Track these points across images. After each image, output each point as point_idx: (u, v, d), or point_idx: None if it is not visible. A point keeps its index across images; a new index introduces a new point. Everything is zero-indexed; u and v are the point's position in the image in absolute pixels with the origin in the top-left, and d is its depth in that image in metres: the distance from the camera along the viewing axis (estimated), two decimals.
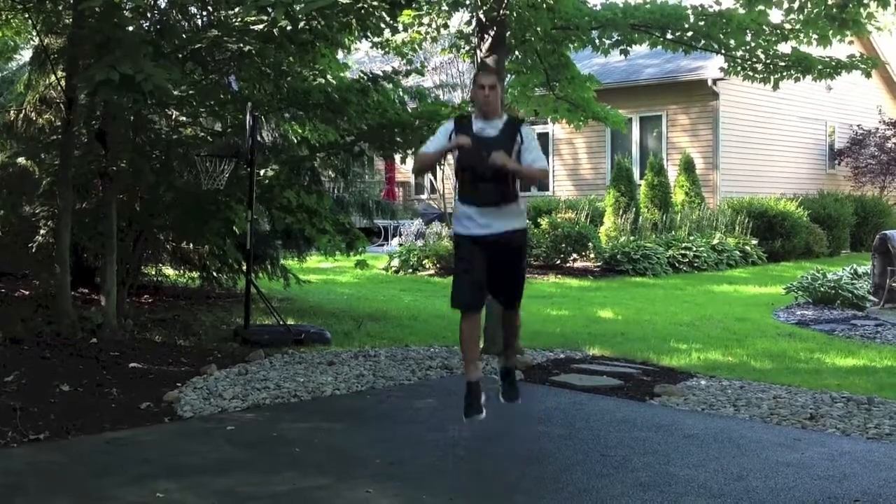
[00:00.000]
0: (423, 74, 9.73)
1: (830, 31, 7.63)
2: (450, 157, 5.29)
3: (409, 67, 9.40)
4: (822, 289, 11.09)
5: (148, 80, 6.05)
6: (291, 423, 5.63)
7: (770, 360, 7.64)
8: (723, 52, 8.54)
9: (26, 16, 8.55)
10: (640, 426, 5.46)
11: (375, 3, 6.60)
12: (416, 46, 9.78)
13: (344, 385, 6.63)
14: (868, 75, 8.66)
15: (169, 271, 11.49)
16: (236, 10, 7.00)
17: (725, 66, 8.90)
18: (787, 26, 8.04)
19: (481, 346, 7.88)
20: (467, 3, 8.18)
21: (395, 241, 19.19)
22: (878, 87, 22.85)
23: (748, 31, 8.08)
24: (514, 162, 5.02)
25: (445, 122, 5.46)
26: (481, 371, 5.27)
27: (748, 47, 8.36)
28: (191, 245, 10.39)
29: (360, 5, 6.54)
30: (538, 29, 8.19)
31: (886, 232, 11.23)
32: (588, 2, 8.62)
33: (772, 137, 20.25)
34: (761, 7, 7.87)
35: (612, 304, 11.31)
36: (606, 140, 20.28)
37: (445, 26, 9.51)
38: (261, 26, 6.70)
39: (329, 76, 8.75)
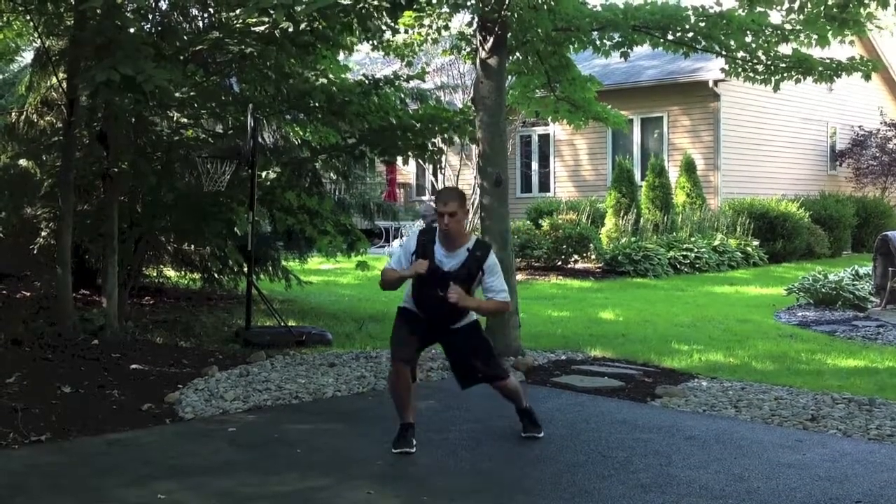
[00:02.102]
0: (423, 80, 9.73)
1: (830, 32, 7.62)
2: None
3: (409, 72, 9.41)
4: (823, 290, 11.09)
5: (149, 81, 6.06)
6: (293, 424, 5.63)
7: (771, 362, 7.64)
8: (723, 53, 8.54)
9: (28, 18, 8.55)
10: (641, 427, 5.46)
11: (376, 4, 6.60)
12: (416, 49, 9.78)
13: (345, 386, 6.64)
14: (868, 78, 8.65)
15: (170, 273, 11.49)
16: (237, 11, 7.00)
17: (726, 67, 8.90)
18: (788, 27, 8.04)
19: None
20: (468, 4, 8.18)
21: (396, 242, 19.19)
22: (879, 88, 22.83)
23: (749, 32, 8.08)
24: (472, 300, 4.99)
25: (411, 233, 5.29)
26: (415, 415, 5.13)
27: (749, 48, 8.36)
28: (192, 246, 10.40)
29: (360, 6, 6.54)
30: (539, 30, 8.19)
31: (888, 233, 11.22)
32: (588, 3, 8.62)
33: (773, 138, 20.24)
34: (762, 8, 7.88)
35: (614, 306, 11.31)
36: (607, 141, 20.28)
37: (446, 28, 9.51)
38: (262, 28, 6.70)
39: (330, 77, 8.76)
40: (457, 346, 5.18)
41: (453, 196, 5.05)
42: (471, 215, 17.74)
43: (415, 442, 4.98)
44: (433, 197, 21.88)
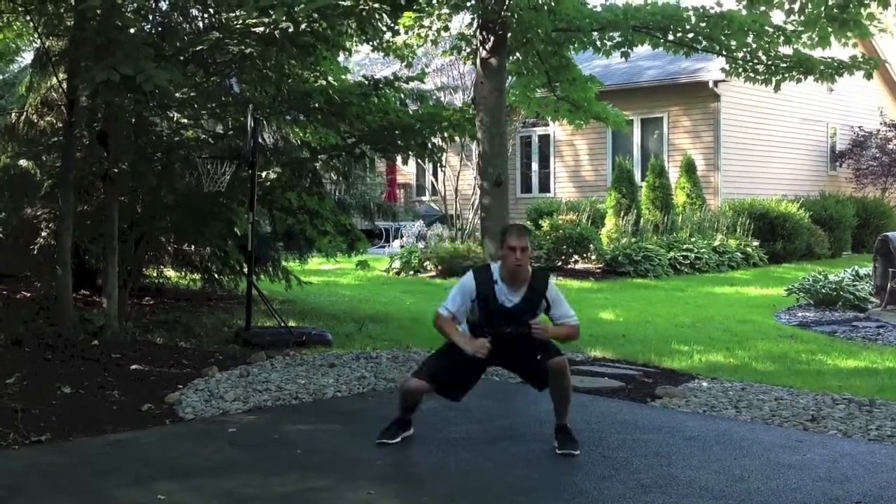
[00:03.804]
0: (423, 81, 9.74)
1: (831, 31, 7.62)
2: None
3: (409, 72, 9.41)
4: (823, 290, 11.08)
5: (149, 82, 6.06)
6: (293, 424, 5.63)
7: (771, 362, 7.64)
8: (724, 53, 8.54)
9: (28, 18, 8.55)
10: (641, 428, 5.46)
11: (377, 6, 6.61)
12: (416, 50, 9.79)
13: (345, 387, 6.63)
14: (869, 76, 8.65)
15: (170, 273, 11.49)
16: (237, 12, 7.00)
17: (727, 67, 8.91)
18: (790, 28, 8.04)
19: None
20: (468, 5, 8.19)
21: (397, 242, 19.20)
22: (879, 89, 22.83)
23: (750, 33, 8.08)
24: (552, 329, 4.97)
25: (464, 277, 5.14)
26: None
27: (749, 49, 8.36)
28: (192, 247, 10.40)
29: (360, 7, 6.54)
30: (539, 30, 8.21)
31: (888, 234, 11.21)
32: (589, 3, 8.63)
33: (773, 139, 20.24)
34: (763, 8, 7.88)
35: (614, 306, 11.30)
36: (608, 142, 20.28)
37: (446, 28, 9.52)
38: (262, 28, 6.70)
39: (330, 78, 8.76)
40: (517, 357, 5.05)
41: (525, 232, 5.03)
42: (471, 215, 17.77)
43: (400, 436, 5.04)
44: (433, 197, 21.90)
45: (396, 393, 6.46)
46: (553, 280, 5.05)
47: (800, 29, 7.96)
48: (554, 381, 5.00)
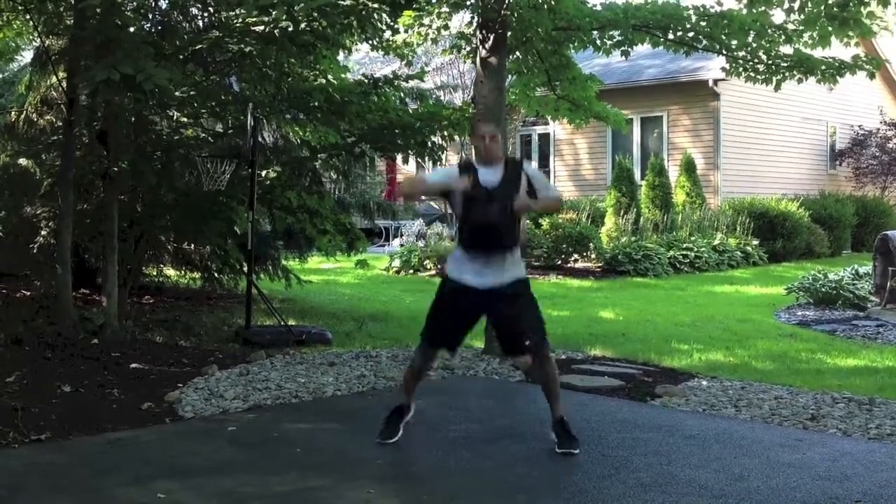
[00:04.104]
0: (423, 79, 9.73)
1: (831, 30, 7.60)
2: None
3: (409, 71, 9.40)
4: (823, 289, 11.09)
5: (149, 80, 6.06)
6: (293, 423, 5.63)
7: (771, 361, 7.64)
8: (724, 52, 8.53)
9: (27, 17, 8.55)
10: (641, 427, 5.46)
11: (376, 5, 6.60)
12: (416, 49, 9.78)
13: (345, 386, 6.64)
14: (872, 76, 8.62)
15: (170, 272, 11.49)
16: (237, 11, 7.00)
17: (727, 66, 8.89)
18: (791, 27, 8.03)
19: (482, 346, 7.92)
20: (468, 3, 8.18)
21: (396, 241, 19.19)
22: (879, 88, 22.83)
23: (750, 32, 8.07)
24: (530, 200, 4.99)
25: (447, 165, 5.46)
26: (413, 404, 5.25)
27: (750, 48, 8.35)
28: (192, 246, 10.40)
29: (360, 5, 6.54)
30: (539, 29, 8.19)
31: (887, 232, 11.22)
32: (589, 2, 8.62)
33: (773, 138, 20.25)
34: (763, 7, 7.87)
35: (613, 305, 11.30)
36: (607, 140, 20.29)
37: (446, 27, 9.51)
38: (262, 27, 6.70)
39: (330, 77, 8.76)
40: (506, 310, 5.02)
41: (492, 120, 5.55)
42: None
43: (401, 431, 5.07)
44: (431, 208, 21.90)
45: (396, 392, 6.48)
46: (530, 163, 5.28)
47: (800, 28, 7.94)
48: (539, 370, 5.09)
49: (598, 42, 8.61)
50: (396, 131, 8.80)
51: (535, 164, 21.54)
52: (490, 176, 5.00)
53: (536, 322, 5.02)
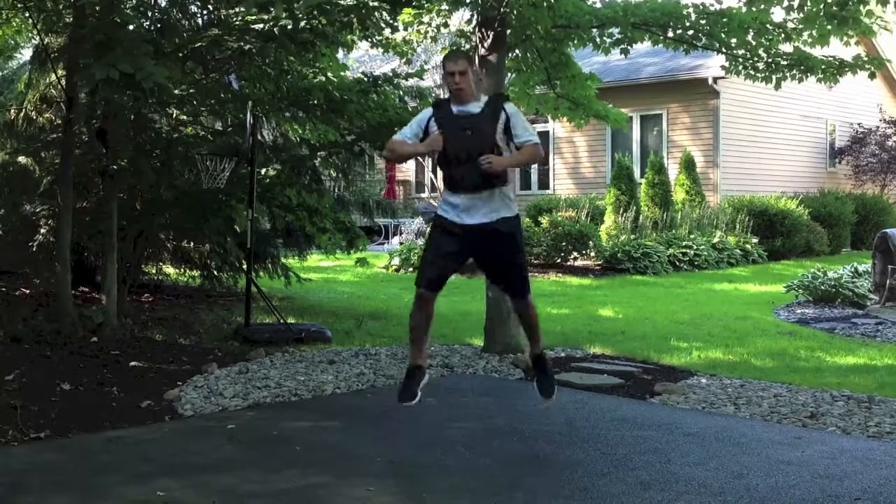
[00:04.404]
0: (422, 78, 9.74)
1: (830, 29, 7.59)
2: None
3: (409, 69, 9.39)
4: (822, 287, 11.09)
5: (148, 79, 6.06)
6: (292, 421, 5.63)
7: (771, 359, 7.64)
8: (724, 50, 8.53)
9: (27, 15, 8.55)
10: (640, 424, 5.46)
11: (376, 3, 6.60)
12: (415, 48, 9.77)
13: (345, 384, 6.64)
14: (873, 77, 8.60)
15: (170, 270, 11.49)
16: (237, 8, 7.00)
17: (727, 65, 8.89)
18: (790, 25, 8.02)
19: (482, 344, 7.93)
20: (468, 1, 8.17)
21: (396, 239, 19.19)
22: (878, 86, 22.81)
23: (750, 30, 8.06)
24: (505, 159, 4.84)
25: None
26: (426, 359, 5.05)
27: (749, 46, 8.34)
28: (191, 244, 10.40)
29: (360, 3, 6.53)
30: (539, 27, 8.19)
31: (887, 230, 11.23)
32: (588, 0, 8.62)
33: (772, 136, 20.24)
34: (762, 5, 7.86)
35: (613, 303, 11.31)
36: (607, 138, 20.28)
37: (446, 25, 9.50)
38: (262, 25, 6.70)
39: (329, 75, 8.75)
40: (492, 250, 4.94)
41: (462, 55, 5.05)
42: None
43: (419, 394, 4.89)
44: (432, 193, 21.87)
45: (396, 389, 6.49)
46: (511, 103, 5.01)
47: (799, 27, 7.94)
48: (523, 313, 5.11)
49: (598, 40, 8.60)
50: (396, 129, 8.78)
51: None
52: (468, 109, 4.87)
53: (519, 269, 4.99)
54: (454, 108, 4.93)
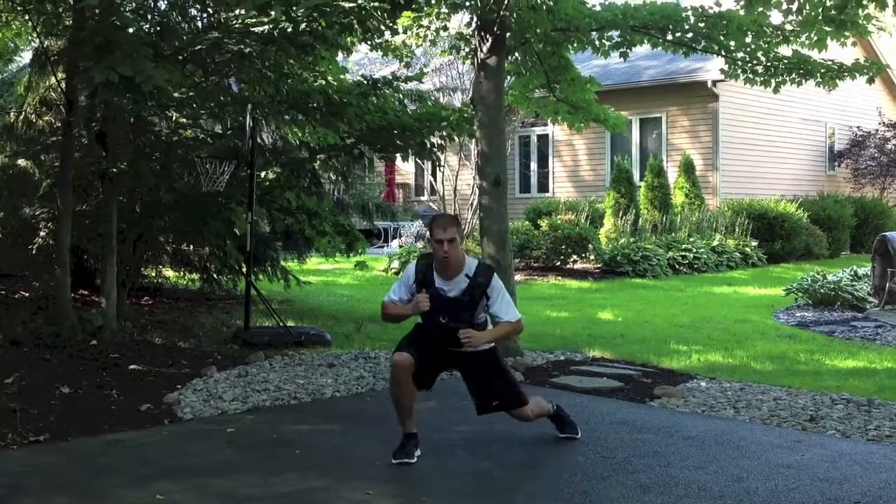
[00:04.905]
0: (421, 81, 9.74)
1: (828, 32, 7.60)
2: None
3: (408, 72, 9.40)
4: (822, 290, 11.09)
5: (148, 81, 6.06)
6: (292, 424, 5.63)
7: (770, 362, 7.64)
8: (723, 53, 8.53)
9: (26, 17, 8.55)
10: (640, 428, 5.46)
11: (376, 5, 6.60)
12: (413, 52, 9.77)
13: (344, 387, 6.63)
14: (872, 80, 8.60)
15: (169, 273, 11.49)
16: (236, 11, 7.00)
17: (726, 68, 8.89)
18: (789, 27, 8.03)
19: None
20: (467, 4, 8.18)
21: (395, 242, 19.20)
22: (877, 89, 22.83)
23: (749, 33, 8.07)
24: (485, 334, 4.85)
25: (409, 265, 5.12)
26: (414, 425, 4.95)
27: (748, 49, 8.35)
28: (191, 247, 10.40)
29: (359, 6, 6.53)
30: (538, 30, 8.19)
31: (886, 233, 11.23)
32: (588, 3, 8.62)
33: (771, 139, 20.26)
34: (760, 8, 7.87)
35: (612, 306, 11.31)
36: (606, 142, 20.29)
37: (445, 28, 9.50)
38: (261, 28, 6.70)
39: (329, 78, 8.75)
40: (472, 373, 5.00)
41: (451, 222, 4.93)
42: (470, 215, 17.76)
43: (417, 453, 4.84)
44: (431, 197, 21.90)
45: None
46: (497, 278, 4.94)
47: (797, 29, 7.94)
48: (513, 417, 5.12)
49: (597, 43, 8.61)
50: (395, 132, 8.80)
51: (534, 165, 21.54)
52: (449, 289, 4.82)
53: (507, 387, 5.00)
54: (437, 281, 4.86)
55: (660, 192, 16.96)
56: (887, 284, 10.59)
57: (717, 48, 8.43)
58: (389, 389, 5.03)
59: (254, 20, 6.74)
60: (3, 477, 4.47)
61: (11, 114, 9.91)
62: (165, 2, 8.66)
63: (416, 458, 4.80)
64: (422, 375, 4.90)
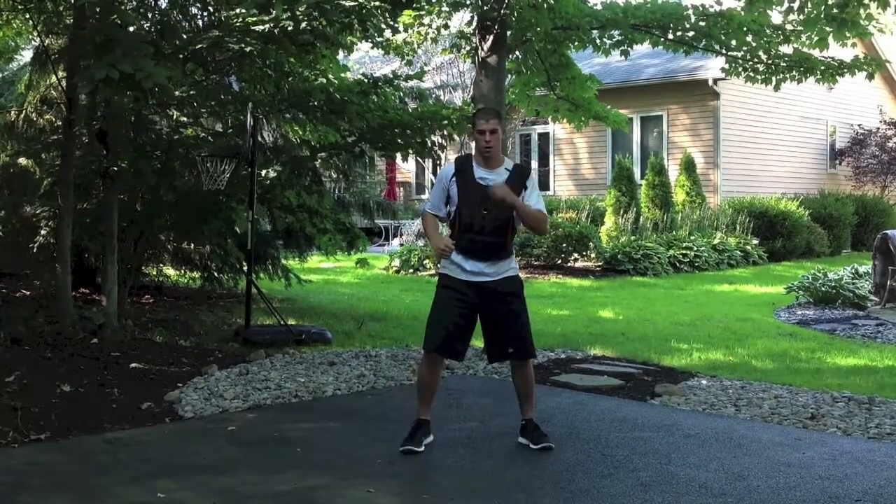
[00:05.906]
0: (422, 79, 9.75)
1: (830, 32, 7.61)
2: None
3: (409, 71, 9.40)
4: (823, 288, 11.09)
5: (148, 80, 6.06)
6: (292, 423, 5.63)
7: (771, 360, 7.64)
8: (724, 52, 8.54)
9: (27, 16, 8.55)
10: (641, 426, 5.46)
11: (377, 3, 6.60)
12: (415, 49, 9.78)
13: (345, 385, 6.64)
14: (871, 77, 8.61)
15: (170, 271, 11.49)
16: (237, 10, 6.99)
17: (727, 66, 8.90)
18: (789, 27, 8.04)
19: (481, 346, 7.91)
20: (468, 3, 8.19)
21: (396, 241, 19.19)
22: (878, 87, 22.83)
23: (749, 32, 8.08)
24: (517, 199, 4.84)
25: (447, 164, 5.13)
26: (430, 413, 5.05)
27: (749, 47, 8.36)
28: (192, 245, 10.39)
29: (361, 4, 6.53)
30: (539, 29, 8.21)
31: (887, 231, 11.22)
32: (589, 2, 8.63)
33: (772, 137, 20.25)
34: (762, 7, 7.88)
35: (613, 304, 11.31)
36: (607, 140, 20.29)
37: (446, 27, 9.51)
38: (262, 27, 6.70)
39: (330, 76, 8.75)
40: (495, 310, 4.97)
41: (493, 113, 5.01)
42: None
43: (426, 440, 4.91)
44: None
45: (396, 390, 6.48)
46: (535, 174, 5.04)
47: (799, 28, 7.95)
48: (515, 370, 5.12)
49: (598, 42, 8.63)
50: (396, 130, 8.79)
51: (535, 164, 21.55)
52: (491, 178, 4.87)
53: (521, 329, 5.01)
54: (477, 172, 4.91)
55: (661, 191, 16.95)
56: (888, 282, 10.58)
57: (717, 47, 8.44)
58: (419, 371, 5.17)
59: (254, 18, 6.74)
60: (4, 475, 4.48)
61: (12, 112, 9.91)
62: (166, 0, 8.66)
63: (423, 447, 4.86)
64: (454, 349, 4.98)
